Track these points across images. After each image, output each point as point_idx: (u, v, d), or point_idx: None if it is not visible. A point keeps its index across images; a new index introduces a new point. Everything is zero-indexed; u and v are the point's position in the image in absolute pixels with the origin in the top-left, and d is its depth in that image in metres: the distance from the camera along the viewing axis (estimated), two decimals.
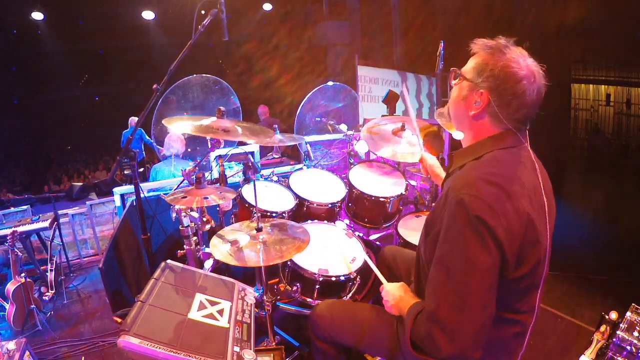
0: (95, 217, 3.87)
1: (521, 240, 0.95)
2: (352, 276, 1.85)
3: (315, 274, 1.79)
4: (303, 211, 2.33)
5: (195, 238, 1.88)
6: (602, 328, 1.69)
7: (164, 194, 2.37)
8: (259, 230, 1.65)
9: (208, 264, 1.90)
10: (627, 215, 4.24)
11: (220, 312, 1.40)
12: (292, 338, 2.08)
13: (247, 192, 2.27)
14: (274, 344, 1.77)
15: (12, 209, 3.88)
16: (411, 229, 2.27)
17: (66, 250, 3.57)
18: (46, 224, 3.17)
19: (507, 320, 1.05)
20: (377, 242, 2.52)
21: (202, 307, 1.39)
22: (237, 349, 1.28)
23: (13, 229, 2.80)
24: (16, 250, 2.66)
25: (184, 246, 1.86)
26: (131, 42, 10.32)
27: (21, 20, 8.08)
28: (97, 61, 11.96)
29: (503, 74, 1.00)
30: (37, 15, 7.54)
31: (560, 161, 4.95)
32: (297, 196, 2.35)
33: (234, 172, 2.68)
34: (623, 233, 3.74)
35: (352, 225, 2.48)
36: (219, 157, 2.50)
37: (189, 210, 1.82)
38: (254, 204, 1.70)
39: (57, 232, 3.37)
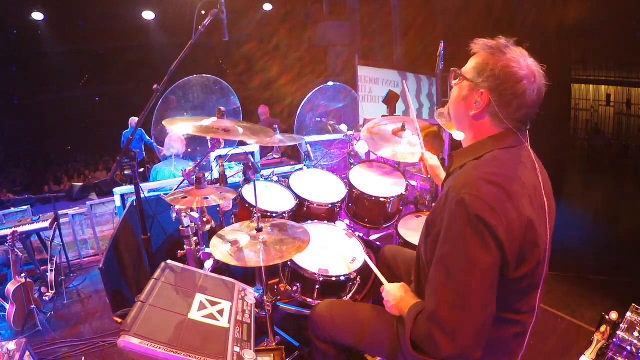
0: (95, 217, 3.87)
1: (521, 240, 0.95)
2: (352, 276, 1.85)
3: (315, 274, 1.79)
4: (303, 211, 2.33)
5: (195, 238, 1.88)
6: (602, 328, 1.69)
7: (164, 194, 2.37)
8: (259, 230, 1.65)
9: (208, 264, 1.90)
10: (627, 215, 4.24)
11: (220, 312, 1.40)
12: (292, 338, 2.08)
13: (247, 192, 2.27)
14: (274, 344, 1.77)
15: (12, 209, 3.88)
16: (411, 229, 2.27)
17: (66, 250, 3.57)
18: (46, 224, 3.17)
19: (507, 320, 1.05)
20: (377, 242, 2.52)
21: (202, 307, 1.39)
22: (237, 349, 1.28)
23: (13, 229, 2.80)
24: (16, 250, 2.66)
25: (184, 246, 1.86)
26: (131, 42, 10.31)
27: (21, 20, 8.08)
28: (97, 61, 11.96)
29: (503, 73, 1.00)
30: (37, 15, 7.54)
31: (560, 161, 4.95)
32: (297, 196, 2.35)
33: (234, 172, 2.68)
34: (623, 233, 3.74)
35: (352, 225, 2.48)
36: (219, 157, 2.50)
37: (189, 210, 1.82)
38: (254, 204, 1.70)
39: (57, 232, 3.37)
